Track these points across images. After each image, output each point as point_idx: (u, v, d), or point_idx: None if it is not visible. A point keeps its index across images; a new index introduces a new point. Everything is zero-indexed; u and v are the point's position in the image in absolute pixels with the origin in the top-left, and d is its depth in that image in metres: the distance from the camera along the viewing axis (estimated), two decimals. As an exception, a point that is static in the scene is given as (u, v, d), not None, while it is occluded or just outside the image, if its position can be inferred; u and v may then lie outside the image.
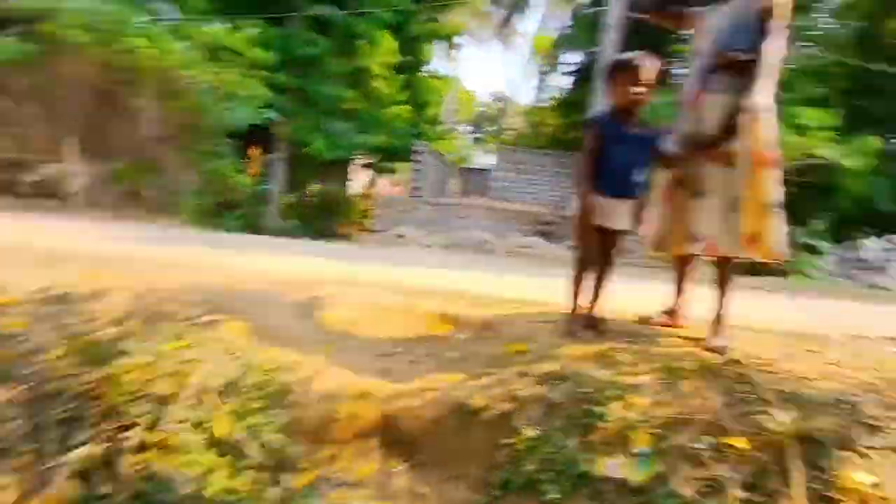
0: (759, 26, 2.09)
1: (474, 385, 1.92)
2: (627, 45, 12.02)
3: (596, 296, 2.18)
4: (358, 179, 23.52)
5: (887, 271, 7.84)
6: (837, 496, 1.43)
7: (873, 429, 1.61)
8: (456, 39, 24.73)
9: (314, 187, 19.60)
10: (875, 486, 1.44)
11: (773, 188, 2.12)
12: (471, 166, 21.06)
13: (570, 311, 2.18)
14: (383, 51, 13.82)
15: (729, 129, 2.03)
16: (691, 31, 2.44)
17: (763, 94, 2.10)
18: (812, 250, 8.76)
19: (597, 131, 2.04)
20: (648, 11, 2.46)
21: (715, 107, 2.15)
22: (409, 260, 5.39)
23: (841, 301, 5.38)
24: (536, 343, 2.10)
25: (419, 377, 2.05)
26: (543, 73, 27.19)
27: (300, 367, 2.02)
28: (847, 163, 8.58)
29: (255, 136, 12.70)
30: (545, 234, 10.18)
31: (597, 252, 2.10)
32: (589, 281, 2.15)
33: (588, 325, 2.17)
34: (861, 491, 1.43)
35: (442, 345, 2.34)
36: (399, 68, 15.80)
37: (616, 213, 2.06)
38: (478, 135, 37.84)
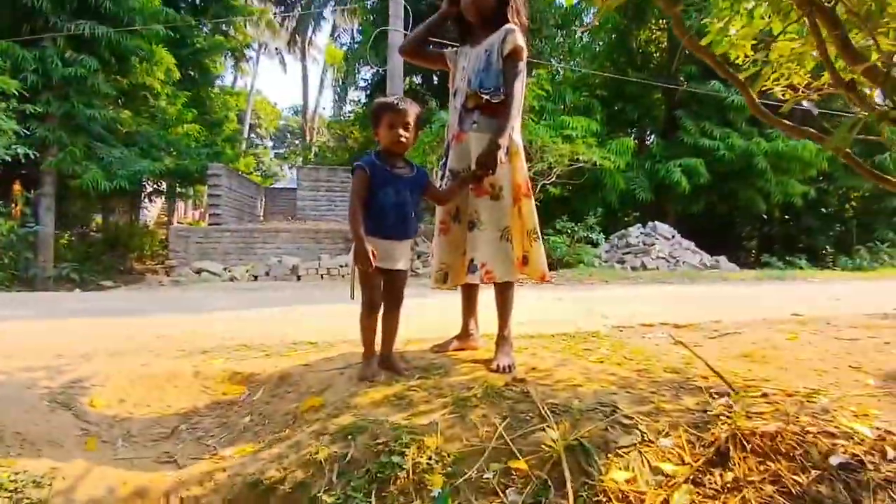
0: (506, 69, 2.29)
1: (268, 455, 1.79)
2: (409, 64, 12.58)
3: (388, 335, 2.19)
4: (150, 208, 21.25)
5: (650, 253, 9.23)
6: (602, 499, 1.61)
7: (627, 427, 1.84)
8: (247, 52, 23.70)
9: (97, 222, 17.23)
10: (628, 481, 1.64)
11: (532, 216, 2.35)
12: (278, 186, 20.26)
13: (365, 355, 2.16)
14: (161, 66, 12.65)
15: (490, 164, 2.18)
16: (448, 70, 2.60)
17: (515, 130, 2.33)
18: (590, 242, 10.00)
19: (365, 175, 2.04)
20: (409, 53, 2.54)
21: (476, 144, 2.31)
22: (204, 304, 4.94)
23: (613, 288, 6.20)
24: (333, 393, 2.04)
25: (208, 455, 1.86)
26: (340, 87, 27.32)
27: (56, 477, 1.69)
28: (608, 163, 9.96)
29: (15, 173, 10.79)
30: (358, 251, 10.14)
31: (382, 292, 2.11)
32: (379, 321, 2.15)
33: (384, 365, 2.17)
34: (619, 489, 1.62)
35: (233, 411, 2.16)
36: (184, 84, 14.63)
37: (394, 254, 2.09)
38: (282, 151, 36.60)
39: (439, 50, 2.56)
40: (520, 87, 2.30)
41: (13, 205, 10.73)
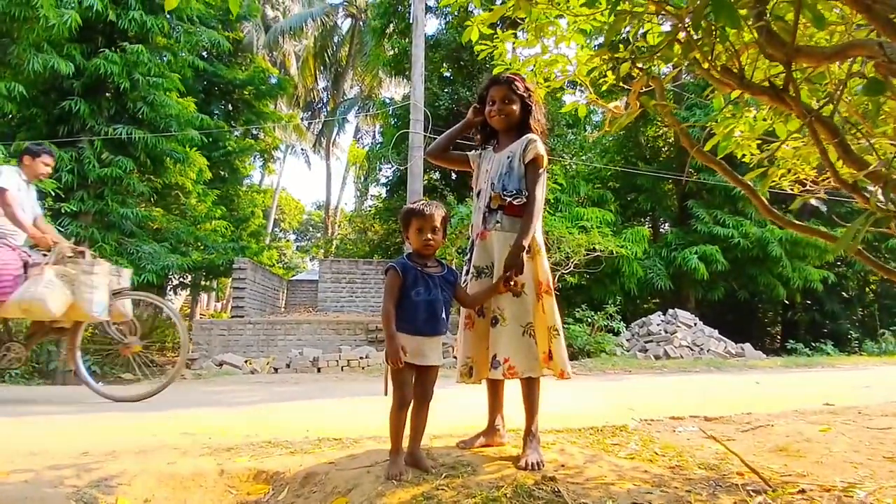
0: (527, 175, 2.44)
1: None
2: (428, 163, 13.22)
3: (416, 431, 2.20)
4: (175, 300, 21.65)
5: (672, 342, 9.08)
6: None
7: (662, 528, 1.79)
8: (274, 153, 25.05)
9: (120, 315, 17.55)
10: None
11: (554, 312, 2.42)
12: (299, 278, 20.62)
13: (392, 451, 2.16)
14: (194, 168, 13.39)
15: (516, 266, 2.28)
16: (470, 170, 2.78)
17: (537, 230, 2.45)
18: (610, 330, 9.91)
19: (397, 275, 2.14)
20: (435, 157, 2.73)
21: (498, 242, 2.43)
22: (226, 399, 4.95)
23: (637, 377, 6.08)
24: (360, 493, 2.02)
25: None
26: (362, 183, 28.51)
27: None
28: (625, 251, 10.09)
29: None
30: (377, 342, 10.16)
31: (412, 388, 2.15)
32: (408, 418, 2.16)
33: (411, 462, 2.15)
34: None
35: (257, 512, 2.14)
36: (214, 183, 15.38)
37: (425, 351, 2.15)
38: (304, 244, 37.59)
39: (463, 153, 2.74)
40: (541, 190, 2.45)
41: (42, 299, 11.04)
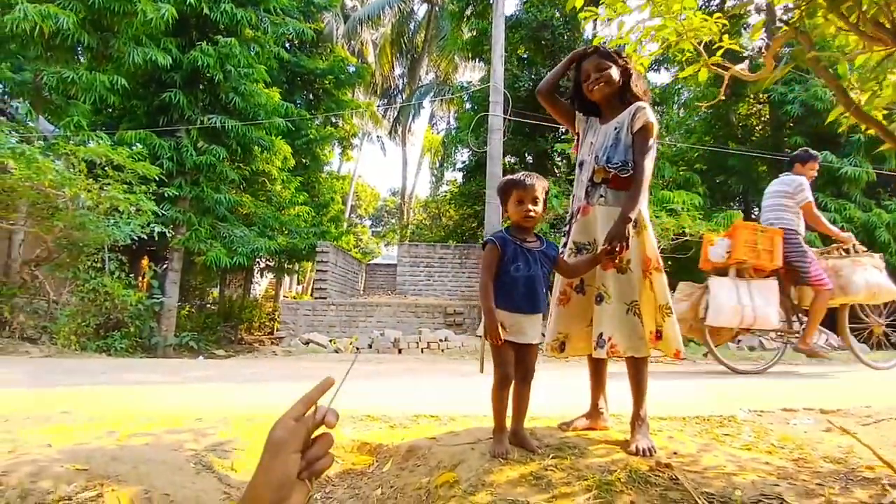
0: (636, 144, 2.31)
1: (404, 530, 1.77)
2: (508, 145, 13.07)
3: (519, 410, 2.15)
4: (261, 282, 22.78)
5: (768, 332, 8.53)
6: None
7: (799, 524, 1.65)
8: (353, 140, 25.64)
9: (213, 294, 18.69)
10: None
11: (664, 290, 2.28)
12: (377, 262, 21.08)
13: (496, 430, 2.12)
14: (280, 155, 13.92)
15: (621, 240, 2.16)
16: (569, 130, 2.65)
17: (643, 205, 2.31)
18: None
19: (496, 249, 2.09)
20: (546, 94, 2.59)
21: (602, 217, 2.31)
22: (319, 374, 5.12)
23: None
24: (466, 469, 2.00)
25: (343, 526, 1.87)
26: (437, 169, 28.66)
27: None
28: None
29: (146, 248, 12.05)
30: (455, 326, 10.22)
31: (513, 367, 2.09)
32: (510, 396, 2.12)
33: (515, 441, 2.11)
34: None
35: (363, 482, 2.17)
36: (297, 170, 15.93)
37: (524, 328, 2.08)
38: (380, 229, 38.40)
39: (570, 105, 2.60)
40: (650, 161, 2.30)
41: (142, 277, 11.91)
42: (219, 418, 2.79)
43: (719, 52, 2.50)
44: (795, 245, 4.95)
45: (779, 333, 5.34)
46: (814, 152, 5.27)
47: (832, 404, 3.28)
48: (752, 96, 15.76)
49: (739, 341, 8.74)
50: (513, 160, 15.20)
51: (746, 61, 2.40)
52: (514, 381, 2.10)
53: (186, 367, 6.21)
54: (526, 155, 15.20)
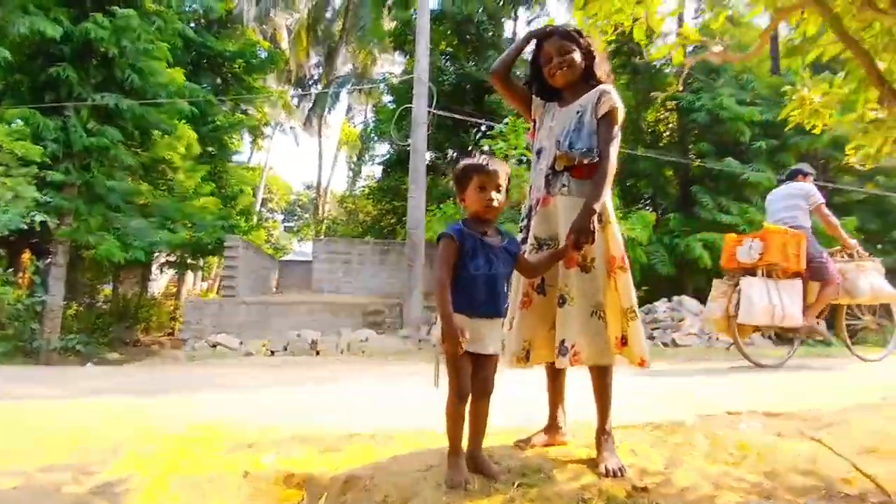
0: (601, 130, 2.10)
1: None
2: (432, 139, 12.85)
3: (476, 430, 1.88)
4: (160, 279, 21.09)
5: (680, 329, 8.88)
6: None
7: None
8: (264, 129, 24.40)
9: (105, 292, 17.02)
10: None
11: (630, 292, 2.10)
12: (290, 258, 20.17)
13: (451, 453, 1.83)
14: (183, 142, 12.86)
15: (586, 233, 1.96)
16: (526, 117, 2.43)
17: (608, 198, 2.11)
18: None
19: (454, 244, 1.80)
20: (500, 76, 2.34)
21: (564, 209, 2.10)
22: (229, 382, 4.60)
23: (655, 367, 5.81)
24: None
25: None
26: (354, 162, 27.96)
27: None
28: (634, 233, 9.85)
29: (28, 241, 10.70)
30: (375, 325, 9.85)
31: (470, 380, 1.81)
32: (466, 414, 1.84)
33: (475, 467, 1.84)
34: None
35: (294, 523, 1.81)
36: (203, 159, 14.86)
37: (484, 336, 1.81)
38: (292, 224, 37.00)
39: (526, 89, 2.37)
40: (615, 149, 2.11)
41: (22, 273, 10.55)
42: (108, 447, 2.30)
43: (677, 41, 2.35)
44: (812, 244, 5.38)
45: (797, 330, 5.65)
46: (811, 169, 5.86)
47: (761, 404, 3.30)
48: (660, 103, 16.55)
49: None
50: (434, 155, 14.98)
51: (719, 46, 2.25)
52: (473, 397, 1.82)
53: (71, 375, 5.43)
54: (448, 149, 15.04)
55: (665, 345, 8.63)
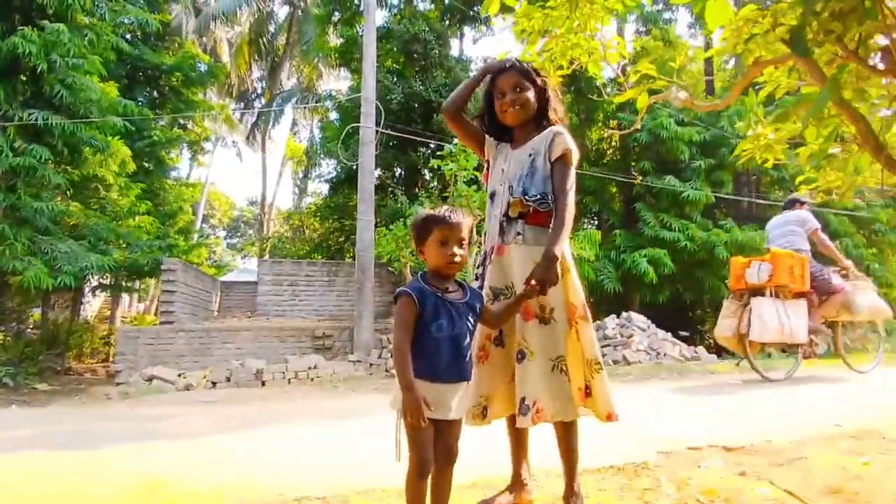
0: (555, 174, 2.04)
1: None
2: (380, 158, 12.70)
3: (439, 500, 1.73)
4: (93, 302, 19.89)
5: (629, 346, 9.01)
6: None
7: None
8: (204, 144, 23.59)
9: (35, 317, 15.85)
10: None
11: (593, 343, 2.03)
12: (233, 280, 19.47)
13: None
14: (117, 158, 12.19)
15: (548, 279, 1.87)
16: (479, 156, 2.35)
17: (566, 244, 2.04)
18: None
19: (413, 304, 1.66)
20: (453, 114, 2.24)
21: (519, 258, 2.01)
22: (163, 428, 4.27)
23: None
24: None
25: None
26: (300, 179, 27.42)
27: None
28: (583, 252, 9.99)
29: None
30: (324, 350, 9.54)
31: (433, 449, 1.67)
32: (427, 486, 1.69)
33: (439, 544, 1.69)
34: None
35: None
36: (138, 176, 14.17)
37: (449, 401, 1.68)
38: (236, 241, 35.91)
39: (479, 128, 2.28)
40: (571, 194, 2.04)
41: (-58, 302, 9.68)
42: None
43: (637, 76, 2.32)
44: (813, 264, 5.91)
45: (802, 346, 6.06)
46: (806, 198, 6.15)
47: (720, 432, 3.31)
48: (602, 121, 17.03)
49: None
50: (382, 173, 14.82)
51: (682, 91, 2.23)
52: (434, 466, 1.68)
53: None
54: (396, 168, 14.91)
55: (616, 362, 8.72)
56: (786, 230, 6.06)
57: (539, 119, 2.17)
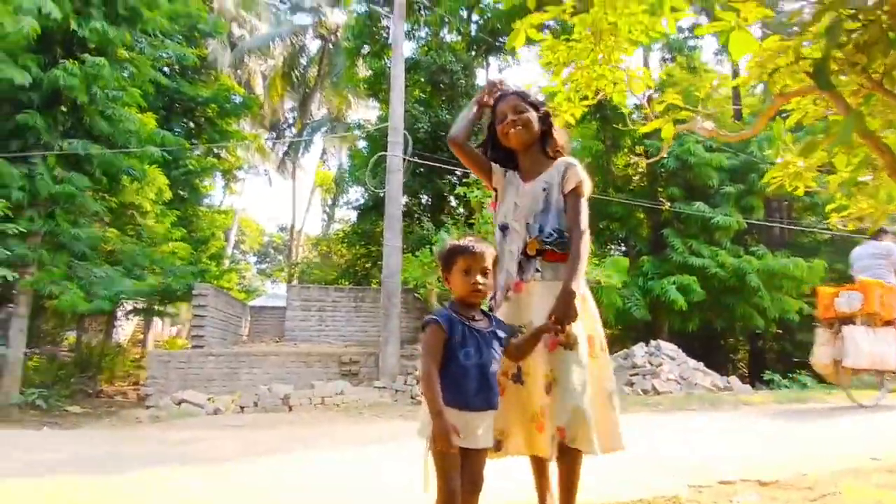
0: (569, 207, 2.06)
1: None
2: (407, 186, 12.88)
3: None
4: (126, 326, 20.36)
5: (659, 375, 8.83)
6: None
7: None
8: (237, 173, 24.23)
9: (69, 340, 16.31)
10: None
11: (611, 377, 2.02)
12: (262, 305, 19.76)
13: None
14: (154, 186, 12.62)
15: (568, 315, 1.86)
16: (487, 184, 2.33)
17: (582, 277, 2.04)
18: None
19: (441, 332, 1.69)
20: (459, 143, 2.24)
21: (540, 295, 2.01)
22: (193, 452, 4.33)
23: (638, 417, 5.70)
24: None
25: None
26: (329, 206, 27.90)
27: None
28: (611, 281, 9.88)
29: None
30: (350, 376, 9.57)
31: (461, 476, 1.67)
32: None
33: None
34: None
35: None
36: (174, 203, 14.62)
37: (476, 429, 1.69)
38: (265, 266, 36.51)
39: (485, 157, 2.28)
40: (586, 226, 2.04)
41: (-20, 324, 10.03)
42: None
43: (662, 105, 2.34)
44: None
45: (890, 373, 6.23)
46: (890, 228, 6.41)
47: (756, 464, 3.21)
48: (628, 149, 16.97)
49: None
50: (409, 200, 15.00)
51: (710, 122, 2.24)
52: (462, 495, 1.68)
53: (26, 443, 5.06)
54: (423, 196, 15.08)
55: (645, 391, 8.54)
56: (872, 262, 6.28)
57: (543, 146, 2.18)
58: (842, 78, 1.39)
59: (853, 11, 1.09)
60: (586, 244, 2.01)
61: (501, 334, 1.81)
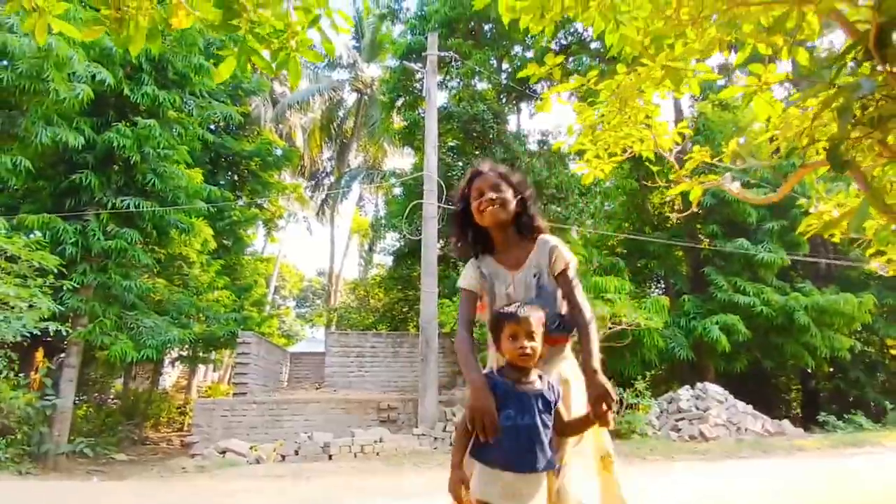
0: (563, 287, 2.07)
1: None
2: (442, 232, 13.08)
3: None
4: (172, 373, 20.90)
5: (706, 420, 8.53)
6: None
7: None
8: (278, 221, 25.02)
9: (117, 387, 16.83)
10: None
11: (606, 438, 2.04)
12: (301, 351, 20.05)
13: None
14: (199, 237, 13.15)
15: (602, 393, 1.87)
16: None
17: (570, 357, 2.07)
18: (639, 408, 9.34)
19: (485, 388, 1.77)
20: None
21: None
22: None
23: (686, 467, 5.53)
24: None
25: None
26: (366, 252, 28.41)
27: None
28: (651, 323, 9.69)
29: (41, 340, 10.72)
30: (389, 422, 9.57)
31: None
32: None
33: None
34: None
35: None
36: (218, 253, 15.16)
37: (521, 491, 1.72)
38: (304, 311, 37.11)
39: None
40: (587, 303, 2.03)
41: (34, 373, 10.46)
42: None
43: (693, 163, 2.41)
44: None
45: None
46: None
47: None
48: (662, 190, 16.84)
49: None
50: (444, 245, 15.19)
51: (737, 182, 2.30)
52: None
53: (75, 497, 5.23)
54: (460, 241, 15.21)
55: (692, 437, 8.26)
56: None
57: (519, 227, 2.16)
58: (860, 149, 1.44)
59: (865, 96, 1.15)
60: (594, 323, 2.02)
61: (551, 398, 1.83)
